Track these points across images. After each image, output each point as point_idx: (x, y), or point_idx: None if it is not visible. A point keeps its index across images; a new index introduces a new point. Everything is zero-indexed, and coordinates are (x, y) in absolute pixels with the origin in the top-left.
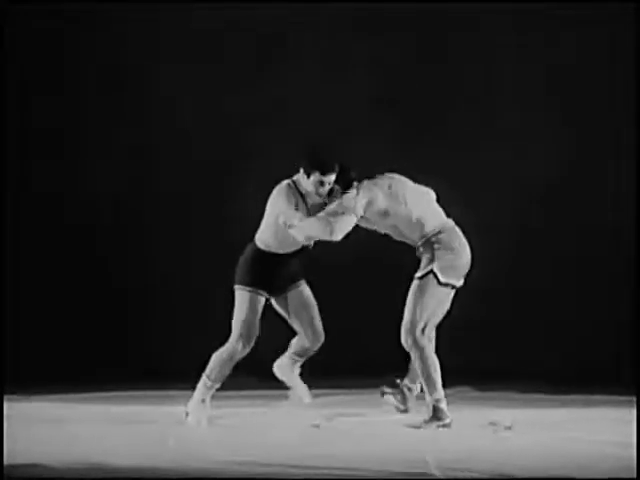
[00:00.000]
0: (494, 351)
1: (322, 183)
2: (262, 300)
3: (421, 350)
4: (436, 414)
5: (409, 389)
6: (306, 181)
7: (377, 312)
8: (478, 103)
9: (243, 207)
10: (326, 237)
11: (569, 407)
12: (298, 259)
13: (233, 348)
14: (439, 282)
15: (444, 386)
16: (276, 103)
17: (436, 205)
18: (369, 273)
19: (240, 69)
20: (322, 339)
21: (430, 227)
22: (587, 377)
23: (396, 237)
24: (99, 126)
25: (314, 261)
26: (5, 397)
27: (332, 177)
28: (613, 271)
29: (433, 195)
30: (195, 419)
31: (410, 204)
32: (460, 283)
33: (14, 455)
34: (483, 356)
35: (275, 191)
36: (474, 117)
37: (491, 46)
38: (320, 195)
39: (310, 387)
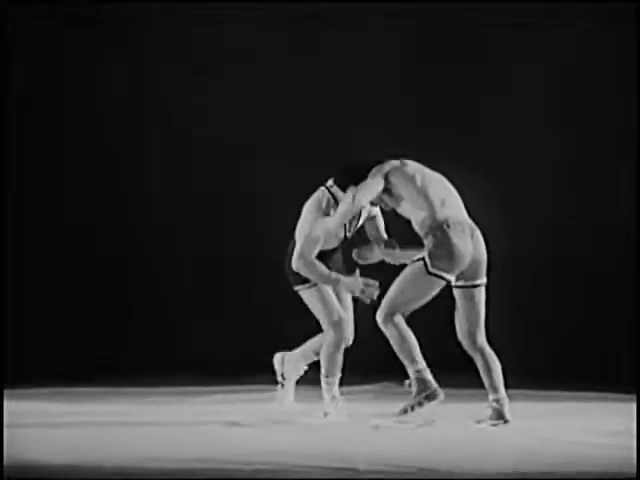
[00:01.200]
0: (494, 349)
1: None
2: (329, 289)
3: (392, 329)
4: (420, 386)
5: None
6: (340, 194)
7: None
8: (478, 103)
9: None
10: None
11: (569, 405)
12: (340, 254)
13: (332, 338)
14: (428, 271)
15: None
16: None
17: (450, 194)
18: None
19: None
20: (351, 339)
21: (436, 216)
22: (587, 375)
23: (413, 225)
24: (99, 125)
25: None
26: (5, 397)
27: None
28: (613, 271)
29: (448, 183)
30: (333, 416)
31: (423, 190)
32: (451, 278)
33: (14, 455)
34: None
35: (310, 200)
36: (474, 117)
37: (491, 46)
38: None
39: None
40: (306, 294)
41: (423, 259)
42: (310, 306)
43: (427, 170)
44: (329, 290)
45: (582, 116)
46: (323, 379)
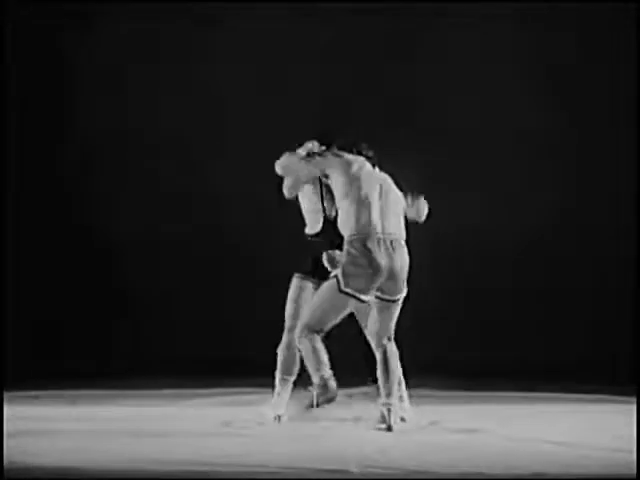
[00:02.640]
0: (493, 350)
1: None
2: (310, 287)
3: (305, 345)
4: (322, 390)
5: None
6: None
7: None
8: (476, 103)
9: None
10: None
11: (568, 405)
12: (327, 244)
13: (286, 339)
14: (340, 289)
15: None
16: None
17: (396, 215)
18: None
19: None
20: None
21: (357, 229)
22: (587, 376)
23: (339, 225)
24: (99, 125)
25: None
26: (5, 397)
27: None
28: (613, 271)
29: (402, 208)
30: (272, 414)
31: (370, 200)
32: (365, 298)
33: (14, 455)
34: (481, 354)
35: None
36: (472, 117)
37: (491, 46)
38: None
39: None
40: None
41: (336, 277)
42: (317, 297)
43: (365, 177)
44: (307, 289)
45: (582, 116)
46: (277, 374)
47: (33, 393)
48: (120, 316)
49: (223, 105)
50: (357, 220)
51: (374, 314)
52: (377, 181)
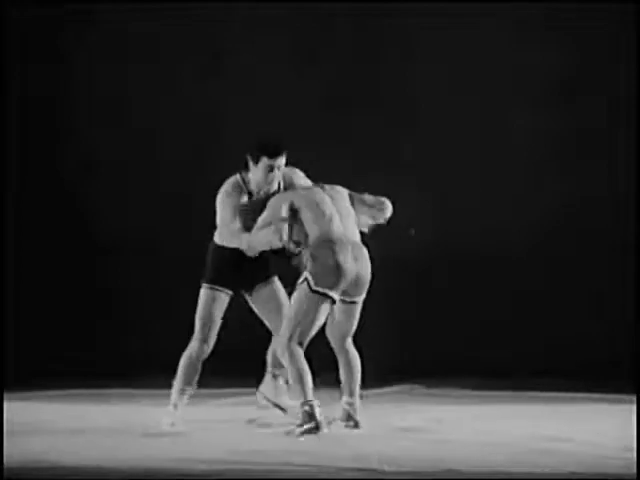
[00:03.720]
0: (495, 349)
1: (271, 168)
2: (223, 297)
3: (289, 360)
4: (305, 419)
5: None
6: (255, 170)
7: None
8: (475, 102)
9: None
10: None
11: (568, 405)
12: (266, 254)
13: (192, 348)
14: (311, 289)
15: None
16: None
17: (352, 221)
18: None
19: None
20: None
21: (316, 234)
22: (587, 375)
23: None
24: (99, 124)
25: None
26: (5, 397)
27: (281, 161)
28: (613, 270)
29: (341, 199)
30: (166, 423)
31: (327, 207)
32: (335, 295)
33: (14, 455)
34: (484, 353)
35: (222, 188)
36: (472, 116)
37: (490, 45)
38: (269, 183)
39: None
40: (201, 294)
41: (305, 279)
42: (198, 305)
43: (315, 189)
44: (221, 300)
45: (582, 116)
46: (175, 383)
47: (33, 393)
48: (120, 316)
49: (223, 105)
50: (320, 226)
51: (335, 319)
52: (325, 192)
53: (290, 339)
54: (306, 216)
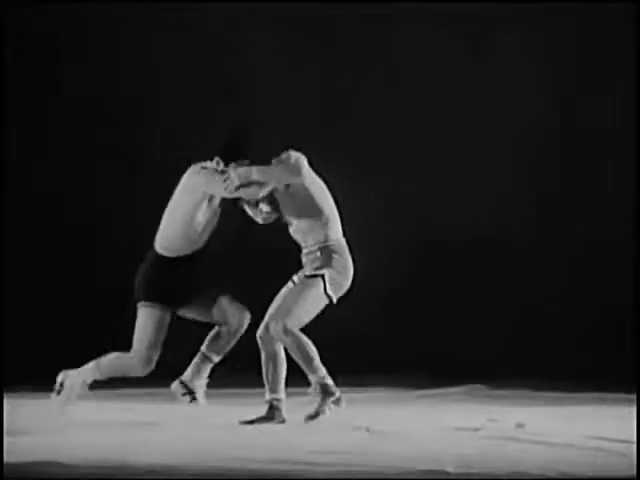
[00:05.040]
0: (499, 350)
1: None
2: (166, 316)
3: (294, 336)
4: (325, 391)
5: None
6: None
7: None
8: (475, 102)
9: None
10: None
11: (568, 405)
12: (210, 264)
13: (131, 364)
14: (325, 292)
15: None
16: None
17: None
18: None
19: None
20: (248, 315)
21: (333, 236)
22: (587, 375)
23: (294, 231)
24: (99, 125)
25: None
26: (5, 397)
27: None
28: (613, 270)
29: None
30: (66, 394)
31: (330, 204)
32: (334, 301)
33: (14, 454)
34: (488, 356)
35: (195, 176)
36: (471, 116)
37: (490, 45)
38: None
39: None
40: (143, 312)
41: (322, 277)
42: (138, 326)
43: (319, 181)
44: (165, 320)
45: (582, 116)
46: (96, 364)
47: (33, 393)
48: (120, 316)
49: (223, 105)
50: (331, 227)
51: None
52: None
53: (289, 326)
54: (322, 205)
